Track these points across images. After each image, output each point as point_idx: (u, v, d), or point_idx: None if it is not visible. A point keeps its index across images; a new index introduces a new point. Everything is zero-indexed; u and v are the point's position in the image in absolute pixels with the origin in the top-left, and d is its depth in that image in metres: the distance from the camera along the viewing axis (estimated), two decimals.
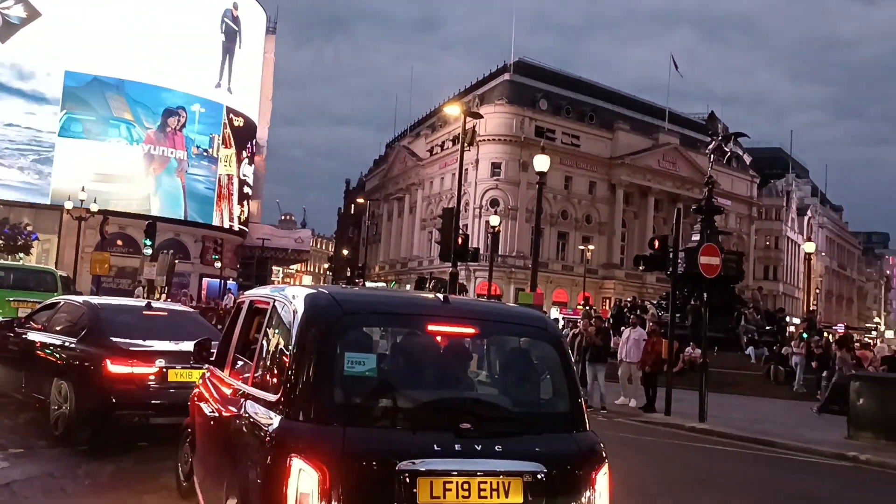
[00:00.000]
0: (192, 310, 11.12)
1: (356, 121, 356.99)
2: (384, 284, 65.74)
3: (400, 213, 79.29)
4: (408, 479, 3.50)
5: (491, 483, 3.61)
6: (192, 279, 55.67)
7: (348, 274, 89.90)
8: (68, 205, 42.97)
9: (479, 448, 3.65)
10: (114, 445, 7.73)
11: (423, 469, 3.52)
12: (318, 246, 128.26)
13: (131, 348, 7.87)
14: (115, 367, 7.66)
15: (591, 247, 63.55)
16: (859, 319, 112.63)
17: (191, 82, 56.17)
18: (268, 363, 4.34)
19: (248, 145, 63.07)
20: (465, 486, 3.57)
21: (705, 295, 15.96)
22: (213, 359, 5.59)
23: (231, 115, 59.56)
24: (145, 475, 6.78)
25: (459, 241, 20.49)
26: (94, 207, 39.58)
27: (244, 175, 62.49)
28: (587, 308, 31.24)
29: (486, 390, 4.33)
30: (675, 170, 72.05)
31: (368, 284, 57.80)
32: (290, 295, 4.37)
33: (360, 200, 75.82)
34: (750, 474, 9.96)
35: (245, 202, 63.25)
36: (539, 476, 3.70)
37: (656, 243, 16.48)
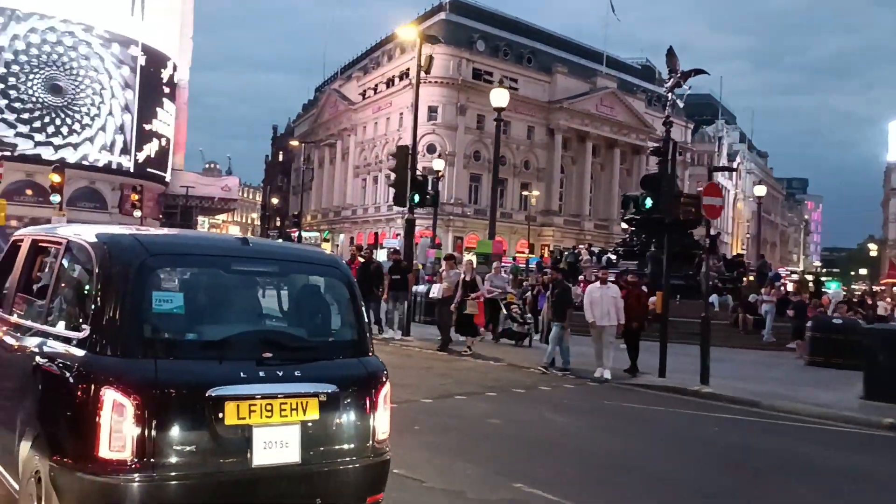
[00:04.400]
0: None
1: (279, 67, 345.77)
2: (318, 235, 63.09)
3: (332, 159, 76.22)
4: (216, 404, 3.82)
5: (291, 403, 4.07)
6: None
7: (278, 223, 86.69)
8: None
9: (280, 374, 4.10)
10: None
11: (229, 394, 3.87)
12: (246, 195, 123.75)
13: None
14: None
15: (535, 192, 62.19)
16: (782, 263, 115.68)
17: (98, 12, 51.49)
18: (64, 302, 4.53)
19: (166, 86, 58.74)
20: (269, 407, 3.99)
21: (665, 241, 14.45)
22: None
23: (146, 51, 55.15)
24: None
25: (416, 184, 18.33)
26: None
27: (161, 118, 58.30)
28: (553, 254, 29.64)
29: (284, 323, 4.78)
30: (612, 115, 70.95)
31: (304, 235, 55.23)
32: (86, 235, 4.47)
33: (295, 144, 72.12)
34: (813, 456, 8.39)
35: (160, 148, 59.22)
36: (332, 395, 4.22)
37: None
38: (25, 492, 4.13)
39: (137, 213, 39.69)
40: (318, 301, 4.87)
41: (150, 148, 56.32)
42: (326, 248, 53.31)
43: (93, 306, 4.05)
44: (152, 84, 55.83)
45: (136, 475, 3.67)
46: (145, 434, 3.69)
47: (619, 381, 12.79)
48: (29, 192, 47.15)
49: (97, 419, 3.66)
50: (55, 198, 25.73)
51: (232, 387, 3.90)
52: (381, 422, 4.49)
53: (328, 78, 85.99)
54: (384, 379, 4.58)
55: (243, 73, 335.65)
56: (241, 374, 3.98)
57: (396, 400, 9.65)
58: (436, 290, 17.39)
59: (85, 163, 50.32)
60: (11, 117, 47.78)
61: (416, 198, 18.16)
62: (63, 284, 4.64)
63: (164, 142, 58.38)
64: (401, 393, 10.01)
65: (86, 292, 4.23)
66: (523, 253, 55.69)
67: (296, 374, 4.16)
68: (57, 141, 49.54)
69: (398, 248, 24.91)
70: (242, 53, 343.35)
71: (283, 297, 4.92)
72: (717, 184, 14.07)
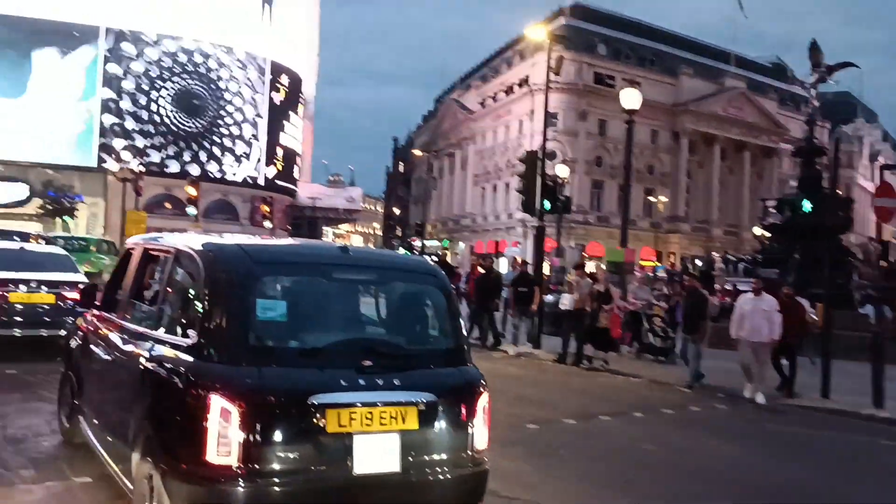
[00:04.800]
0: (64, 253, 12.31)
1: (400, 79, 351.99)
2: (438, 244, 63.32)
3: (452, 169, 76.48)
4: (317, 412, 3.89)
5: (390, 412, 4.08)
6: None
7: (399, 233, 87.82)
8: (112, 167, 41.52)
9: (379, 382, 4.12)
10: None
11: (330, 402, 3.94)
12: (368, 206, 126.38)
13: None
14: None
15: (662, 198, 60.11)
16: None
17: (229, 33, 53.69)
18: (174, 309, 4.63)
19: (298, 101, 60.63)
20: (368, 416, 4.02)
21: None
22: (98, 304, 5.91)
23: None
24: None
25: (549, 192, 17.64)
26: (137, 168, 37.60)
27: (289, 132, 60.22)
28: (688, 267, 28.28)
29: (383, 331, 4.79)
30: (741, 116, 67.70)
31: (426, 244, 55.55)
32: (195, 244, 4.60)
33: (418, 153, 72.42)
34: None
35: (289, 161, 61.08)
36: (431, 403, 4.22)
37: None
38: (139, 492, 4.23)
39: (268, 225, 40.84)
40: (417, 309, 4.88)
41: (279, 161, 58.26)
42: (447, 256, 53.37)
43: (200, 313, 4.16)
44: (281, 99, 57.76)
45: (241, 480, 3.75)
46: (250, 440, 3.77)
47: (774, 401, 11.69)
48: (168, 205, 49.58)
49: (204, 424, 3.76)
50: (191, 210, 26.73)
51: (333, 394, 3.97)
52: (479, 431, 4.46)
53: (447, 88, 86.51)
54: (482, 389, 4.56)
55: (365, 86, 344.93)
56: (342, 381, 4.04)
57: (537, 420, 9.17)
58: (566, 301, 16.62)
59: (218, 176, 52.49)
60: (157, 140, 50.33)
61: (547, 204, 17.53)
62: (172, 291, 4.81)
63: (291, 155, 60.29)
64: (540, 412, 9.45)
65: (193, 300, 4.34)
66: (650, 261, 53.76)
67: (395, 382, 4.18)
68: (186, 157, 51.91)
69: (523, 257, 24.30)
70: (365, 68, 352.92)
71: (381, 305, 4.94)
72: (889, 184, 12.63)
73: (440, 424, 4.27)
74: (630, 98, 18.79)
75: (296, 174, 61.61)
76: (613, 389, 12.15)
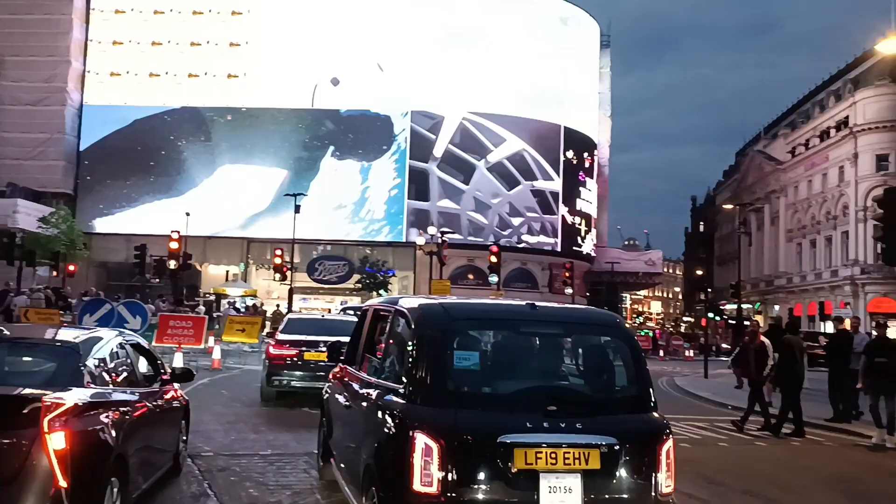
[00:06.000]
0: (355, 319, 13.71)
1: (690, 139, 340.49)
2: (750, 307, 58.18)
3: (759, 225, 70.63)
4: (505, 450, 4.42)
5: (574, 453, 4.49)
6: None
7: (703, 297, 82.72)
8: (419, 241, 43.93)
9: (563, 426, 4.57)
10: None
11: (517, 441, 4.44)
12: (666, 270, 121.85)
13: (284, 338, 13.62)
14: (273, 350, 13.52)
15: None
16: None
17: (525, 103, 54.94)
18: (393, 360, 5.51)
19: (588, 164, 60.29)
20: (553, 456, 4.46)
21: None
22: (343, 358, 7.08)
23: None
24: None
25: None
26: (440, 240, 39.22)
27: (584, 197, 59.81)
28: None
29: (568, 379, 5.34)
30: None
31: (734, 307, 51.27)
32: (408, 304, 5.51)
33: (728, 207, 67.79)
34: None
35: (586, 226, 60.45)
36: (613, 447, 4.57)
37: None
38: None
39: (569, 291, 40.12)
40: (601, 359, 5.27)
41: (578, 227, 58.00)
42: (759, 320, 48.49)
43: (409, 363, 4.87)
44: (576, 165, 57.79)
45: None
46: (448, 473, 4.36)
47: None
48: (470, 276, 51.28)
49: (411, 458, 4.40)
50: (493, 278, 26.78)
51: (519, 435, 4.45)
52: (663, 476, 4.71)
53: (748, 141, 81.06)
54: (665, 436, 4.83)
55: (654, 149, 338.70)
56: (528, 423, 4.51)
57: None
58: None
59: (517, 245, 53.23)
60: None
61: None
62: (392, 344, 5.64)
63: (587, 220, 59.73)
64: None
65: (405, 351, 5.06)
66: None
67: (577, 426, 4.58)
68: (486, 230, 53.39)
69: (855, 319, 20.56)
70: (653, 131, 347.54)
71: (566, 356, 5.51)
72: None
73: (623, 467, 4.59)
74: None
75: (592, 240, 60.82)
76: None
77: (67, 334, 6.42)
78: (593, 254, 60.34)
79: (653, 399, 5.05)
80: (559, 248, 55.87)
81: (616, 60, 75.17)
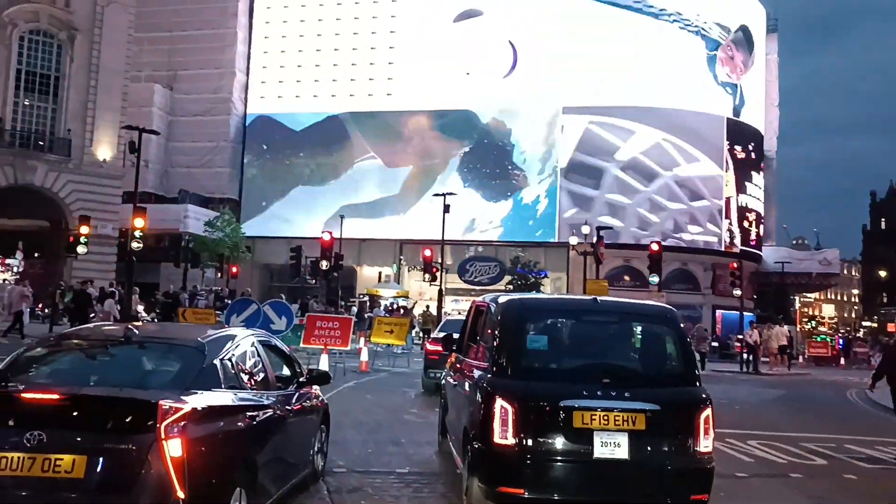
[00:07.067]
0: None
1: (864, 130, 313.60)
2: None
3: None
4: (566, 412, 5.71)
5: (622, 416, 5.71)
6: (703, 311, 50.77)
7: (884, 300, 75.57)
8: (572, 240, 42.48)
9: (613, 394, 5.80)
10: None
11: (576, 405, 5.73)
12: (842, 270, 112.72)
13: (439, 335, 15.08)
14: (430, 346, 15.76)
15: None
16: None
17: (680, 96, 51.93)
18: (486, 344, 6.77)
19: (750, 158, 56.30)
20: (605, 418, 5.69)
21: None
22: (455, 347, 8.38)
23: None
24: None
25: None
26: (595, 239, 37.61)
27: (751, 192, 55.89)
28: None
29: (622, 358, 6.56)
30: None
31: None
32: (496, 299, 6.99)
33: None
34: None
35: (753, 223, 56.42)
36: (656, 412, 5.76)
37: None
38: (464, 473, 6.45)
39: (737, 293, 37.30)
40: (651, 342, 6.66)
41: (745, 224, 54.37)
42: None
43: (495, 345, 6.34)
44: (741, 159, 54.17)
45: (516, 455, 5.71)
46: (520, 429, 5.72)
47: None
48: (626, 277, 49.13)
49: (492, 416, 5.79)
50: (653, 279, 25.09)
51: (578, 400, 5.75)
52: (702, 437, 5.83)
53: None
54: (703, 405, 5.95)
55: (824, 141, 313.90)
56: (584, 392, 5.81)
57: None
58: None
59: (677, 244, 50.32)
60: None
61: None
62: (486, 332, 6.93)
63: (754, 218, 55.85)
64: None
65: (492, 336, 6.52)
66: None
67: (626, 394, 5.82)
68: (643, 227, 50.85)
69: None
70: (822, 122, 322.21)
71: (621, 339, 6.72)
72: None
73: (665, 428, 5.81)
74: None
75: (758, 238, 56.76)
76: None
77: (196, 333, 6.03)
78: (760, 253, 56.27)
79: (697, 375, 6.31)
80: (723, 248, 52.42)
81: (784, 46, 69.67)
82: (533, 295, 8.02)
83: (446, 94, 52.31)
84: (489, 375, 6.08)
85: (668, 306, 7.51)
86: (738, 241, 53.92)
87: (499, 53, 52.22)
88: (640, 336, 6.62)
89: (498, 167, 53.28)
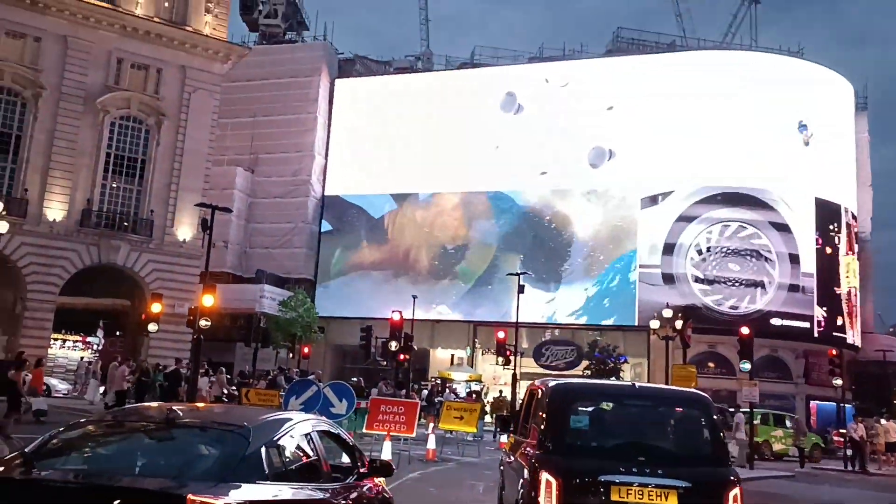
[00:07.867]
0: None
1: None
2: None
3: None
4: (605, 487, 6.33)
5: (656, 492, 6.28)
6: (796, 402, 47.57)
7: None
8: (654, 324, 40.62)
9: (648, 471, 6.39)
10: None
11: (614, 481, 6.33)
12: None
13: None
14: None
15: None
16: None
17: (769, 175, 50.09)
18: (534, 424, 7.36)
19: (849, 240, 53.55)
20: (640, 493, 6.29)
21: None
22: (511, 428, 9.36)
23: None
24: None
25: None
26: (678, 325, 35.78)
27: (844, 276, 52.93)
28: None
29: (656, 439, 7.23)
30: None
31: None
32: (547, 383, 7.63)
33: None
34: None
35: (850, 310, 53.25)
36: (687, 489, 6.31)
37: None
38: None
39: (838, 382, 34.67)
40: (685, 425, 7.24)
41: (837, 310, 51.32)
42: None
43: (543, 425, 6.99)
44: (831, 239, 51.62)
45: None
46: (564, 501, 6.28)
47: None
48: (711, 364, 46.70)
49: (538, 489, 6.41)
50: (745, 365, 23.33)
51: (615, 476, 6.34)
52: None
53: None
54: (732, 485, 6.46)
55: None
56: (621, 468, 6.40)
57: None
58: None
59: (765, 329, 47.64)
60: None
61: None
62: (537, 413, 7.45)
63: (849, 303, 52.76)
64: None
65: (539, 417, 7.21)
66: None
67: (659, 472, 6.39)
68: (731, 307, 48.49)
69: None
70: None
71: (656, 422, 7.31)
72: None
73: None
74: None
75: (853, 324, 53.41)
76: None
77: (245, 417, 5.44)
78: (856, 342, 52.85)
79: (727, 457, 7.19)
80: (815, 334, 49.43)
81: (876, 125, 67.06)
82: (580, 380, 8.96)
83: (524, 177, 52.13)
84: (537, 452, 6.79)
85: (701, 392, 7.99)
86: (833, 327, 50.83)
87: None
88: (674, 419, 7.28)
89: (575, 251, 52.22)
